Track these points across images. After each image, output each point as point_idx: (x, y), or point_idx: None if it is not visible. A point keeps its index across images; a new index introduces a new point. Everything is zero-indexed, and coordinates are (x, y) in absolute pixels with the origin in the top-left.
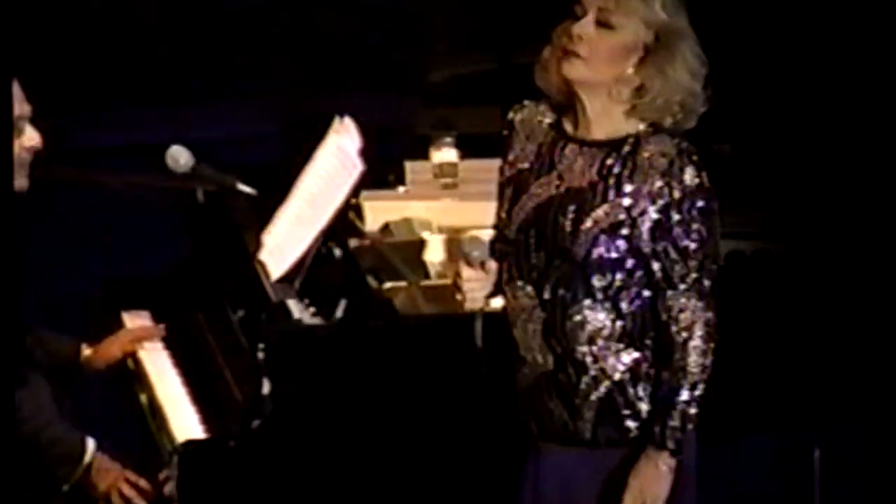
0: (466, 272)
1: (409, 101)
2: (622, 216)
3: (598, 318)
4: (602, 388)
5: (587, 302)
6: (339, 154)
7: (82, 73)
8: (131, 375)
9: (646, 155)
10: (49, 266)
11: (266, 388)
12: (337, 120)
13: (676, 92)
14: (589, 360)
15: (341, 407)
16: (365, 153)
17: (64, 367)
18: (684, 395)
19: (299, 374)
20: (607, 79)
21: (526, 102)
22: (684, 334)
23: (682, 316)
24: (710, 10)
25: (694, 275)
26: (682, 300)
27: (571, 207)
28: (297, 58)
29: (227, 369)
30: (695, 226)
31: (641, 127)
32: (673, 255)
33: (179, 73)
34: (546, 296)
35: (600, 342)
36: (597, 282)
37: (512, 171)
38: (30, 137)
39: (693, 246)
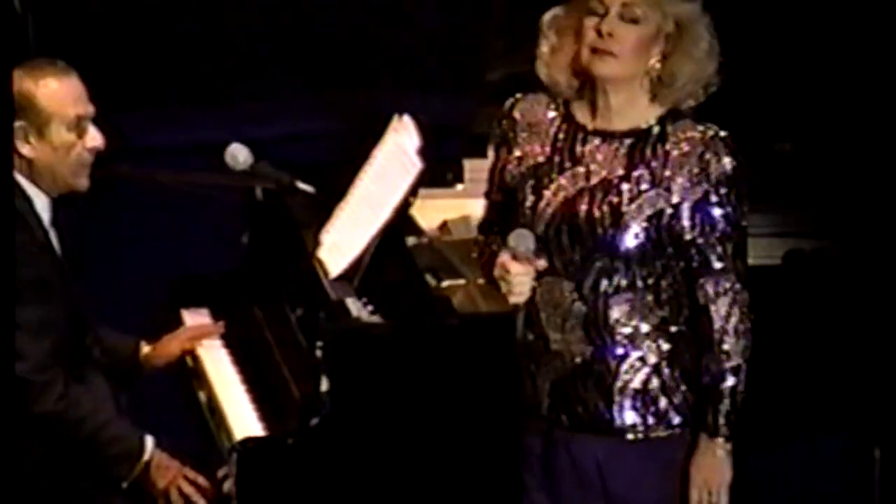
0: (514, 267)
1: (466, 99)
2: (661, 204)
3: (639, 307)
4: (640, 376)
5: (628, 293)
6: (397, 152)
7: (142, 72)
8: (190, 373)
9: (678, 142)
10: (108, 264)
11: (324, 385)
12: (396, 118)
13: (702, 76)
14: (629, 348)
15: (399, 405)
16: (423, 151)
17: (123, 365)
18: (730, 380)
19: (357, 371)
20: (636, 72)
21: (519, 96)
22: (725, 318)
23: (721, 300)
24: (777, 12)
25: (731, 257)
26: (722, 283)
27: (606, 200)
28: (356, 56)
29: (285, 367)
30: (731, 209)
31: (661, 113)
32: (712, 239)
33: (238, 70)
34: (586, 289)
35: (641, 330)
36: (638, 271)
37: (522, 166)
38: (92, 137)
39: (730, 229)
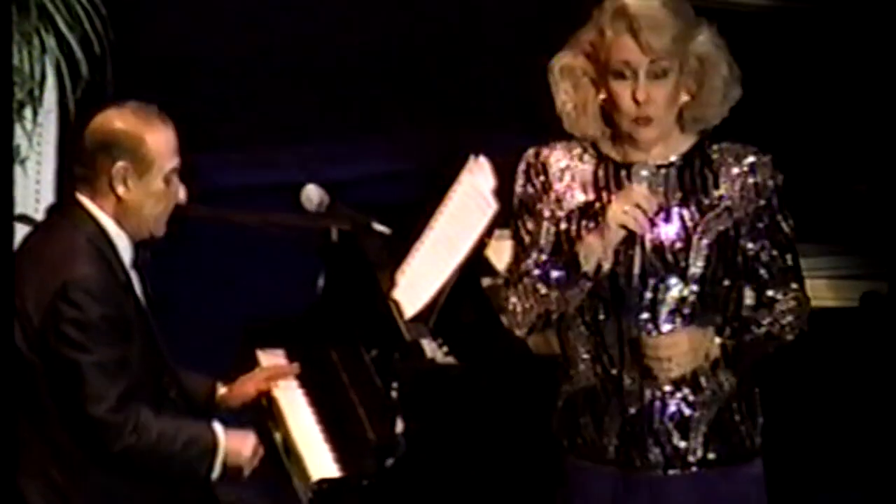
0: (641, 189)
1: (541, 138)
2: (724, 224)
3: (713, 331)
4: (714, 408)
5: (701, 319)
6: (473, 193)
7: (218, 113)
8: (266, 414)
9: (725, 163)
10: (184, 305)
11: (400, 426)
12: (471, 159)
13: (730, 99)
14: (705, 379)
15: (474, 446)
16: (499, 192)
17: (199, 406)
18: (765, 331)
19: (432, 412)
20: (673, 117)
21: (537, 148)
22: (788, 309)
23: (787, 297)
24: (850, 53)
25: (793, 268)
26: (788, 286)
27: (671, 225)
28: (431, 97)
29: (360, 408)
30: (786, 222)
31: (696, 138)
32: (775, 251)
33: (314, 111)
34: (661, 322)
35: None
36: (710, 296)
37: (565, 210)
38: (176, 192)
39: (787, 240)
